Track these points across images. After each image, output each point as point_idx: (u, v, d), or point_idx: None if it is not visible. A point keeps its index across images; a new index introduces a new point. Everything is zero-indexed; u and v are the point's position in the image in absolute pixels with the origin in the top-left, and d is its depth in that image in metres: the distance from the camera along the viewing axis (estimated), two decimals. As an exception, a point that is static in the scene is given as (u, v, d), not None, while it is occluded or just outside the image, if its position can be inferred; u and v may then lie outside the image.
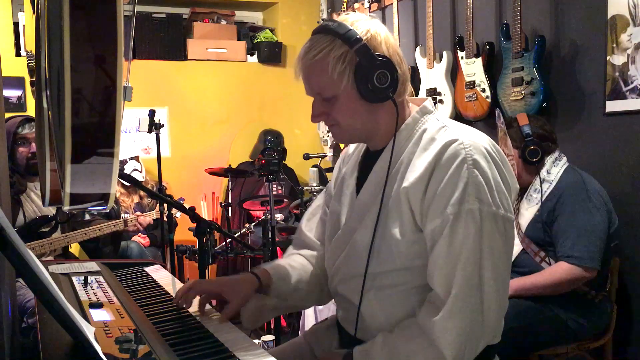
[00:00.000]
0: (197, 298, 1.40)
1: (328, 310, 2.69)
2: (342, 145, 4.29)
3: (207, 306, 1.46)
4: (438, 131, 1.22)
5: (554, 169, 2.19)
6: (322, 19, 4.57)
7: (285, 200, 3.93)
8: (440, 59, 3.30)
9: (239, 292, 1.36)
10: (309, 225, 1.55)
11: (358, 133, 1.29)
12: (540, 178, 2.18)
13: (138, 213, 3.34)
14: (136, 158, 4.10)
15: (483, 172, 1.15)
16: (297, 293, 1.45)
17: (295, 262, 1.49)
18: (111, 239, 3.24)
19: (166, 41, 4.48)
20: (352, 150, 1.46)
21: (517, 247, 2.19)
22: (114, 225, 3.10)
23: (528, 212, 2.21)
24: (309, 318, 2.82)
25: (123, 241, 3.52)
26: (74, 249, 3.35)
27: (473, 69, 2.99)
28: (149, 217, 3.34)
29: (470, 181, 1.13)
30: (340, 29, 1.19)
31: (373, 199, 1.27)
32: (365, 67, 1.18)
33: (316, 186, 3.56)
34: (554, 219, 2.12)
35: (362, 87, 1.19)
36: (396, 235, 1.20)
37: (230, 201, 4.01)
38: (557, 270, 2.05)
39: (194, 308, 1.42)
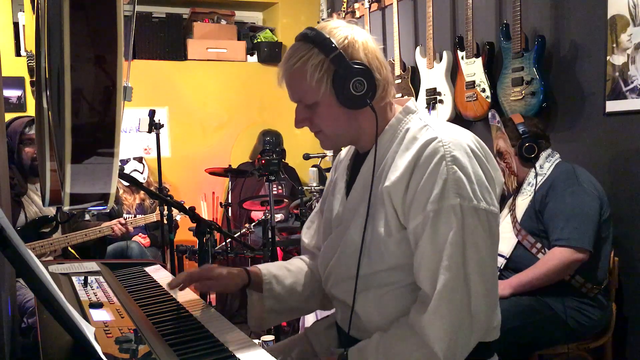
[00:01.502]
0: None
1: (328, 311, 2.69)
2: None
3: (207, 305, 1.46)
4: (420, 130, 1.24)
5: (547, 164, 2.26)
6: (322, 19, 4.57)
7: (285, 200, 3.93)
8: (440, 59, 3.30)
9: (224, 284, 1.40)
10: (309, 233, 1.57)
11: (342, 138, 1.31)
12: (535, 171, 2.24)
13: (120, 220, 3.27)
14: (139, 159, 4.09)
15: (462, 168, 1.16)
16: (295, 295, 1.46)
17: (292, 265, 1.51)
18: (99, 241, 3.19)
19: (166, 41, 4.48)
20: (344, 155, 1.48)
21: (513, 241, 2.21)
22: (107, 229, 3.08)
23: (522, 203, 2.26)
24: (309, 317, 2.82)
25: (123, 241, 3.51)
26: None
27: (473, 69, 2.99)
28: (131, 226, 3.28)
29: (449, 177, 1.14)
30: (317, 38, 1.21)
31: (360, 200, 1.28)
32: (342, 76, 1.20)
33: (316, 186, 3.56)
34: (545, 206, 2.16)
35: (340, 94, 1.21)
36: (383, 234, 1.22)
37: (230, 201, 4.01)
38: (550, 257, 2.07)
39: (192, 305, 1.42)
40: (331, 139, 1.30)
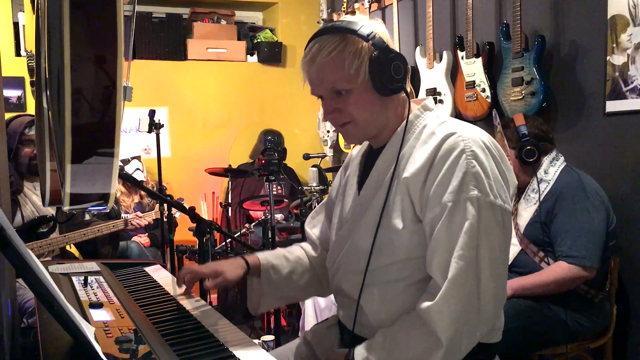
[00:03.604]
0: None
1: (329, 310, 2.69)
2: (342, 145, 4.29)
3: (207, 305, 1.47)
4: (438, 126, 1.26)
5: (552, 168, 2.20)
6: (322, 19, 4.57)
7: (285, 200, 3.93)
8: (440, 59, 3.30)
9: (227, 279, 1.43)
10: (312, 222, 1.60)
11: (371, 127, 1.30)
12: (537, 178, 2.19)
13: (138, 213, 3.32)
14: (138, 158, 4.10)
15: (481, 163, 1.17)
16: (291, 284, 1.50)
17: (291, 253, 1.54)
18: (109, 239, 3.22)
19: (166, 41, 4.48)
20: (356, 153, 1.49)
21: (516, 248, 2.19)
22: (113, 226, 3.10)
23: (526, 212, 2.22)
24: (310, 318, 2.82)
25: (123, 241, 3.52)
26: (73, 248, 3.34)
27: (473, 69, 2.99)
28: (148, 218, 3.33)
29: (468, 171, 1.16)
30: (353, 26, 1.23)
31: (374, 194, 1.29)
32: (383, 59, 1.21)
33: (316, 186, 3.56)
34: (552, 219, 2.12)
35: (377, 80, 1.22)
36: (397, 225, 1.23)
37: (230, 201, 4.01)
38: (557, 270, 2.05)
39: (192, 305, 1.42)
40: (361, 129, 1.29)
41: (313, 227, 1.58)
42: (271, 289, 1.48)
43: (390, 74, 1.21)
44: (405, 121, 1.28)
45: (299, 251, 1.56)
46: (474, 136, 1.20)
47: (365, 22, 1.25)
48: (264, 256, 1.50)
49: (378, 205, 1.26)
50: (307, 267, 1.53)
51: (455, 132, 1.20)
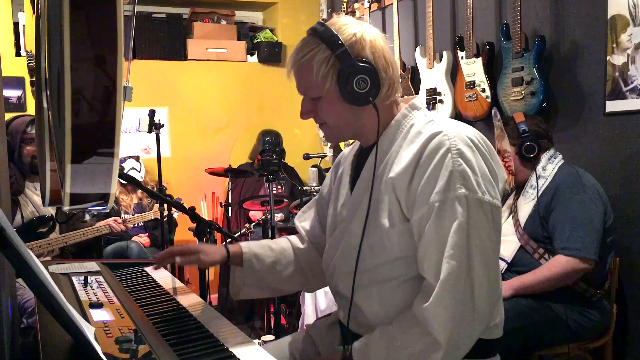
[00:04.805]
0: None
1: (330, 311, 2.69)
2: (341, 145, 4.29)
3: (207, 305, 1.47)
4: (425, 125, 1.26)
5: (550, 165, 2.23)
6: (322, 19, 4.57)
7: (285, 200, 3.93)
8: (440, 59, 3.30)
9: (202, 260, 1.46)
10: (303, 217, 1.61)
11: (345, 132, 1.34)
12: (536, 174, 2.21)
13: (117, 218, 3.25)
14: (136, 158, 4.09)
15: (467, 161, 1.17)
16: (275, 273, 1.51)
17: (277, 244, 1.56)
18: (93, 242, 3.18)
19: (166, 41, 4.48)
20: (348, 152, 1.49)
21: (515, 245, 2.20)
22: (111, 227, 3.08)
23: (525, 208, 2.23)
24: (310, 318, 2.82)
25: (122, 241, 3.51)
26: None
27: (473, 69, 2.99)
28: (128, 224, 3.27)
29: (455, 169, 1.16)
30: (325, 33, 1.23)
31: (364, 194, 1.30)
32: (346, 72, 1.22)
33: (316, 186, 3.56)
34: (550, 212, 2.14)
35: (344, 90, 1.23)
36: (386, 225, 1.23)
37: (230, 201, 4.01)
38: (555, 264, 2.06)
39: (192, 305, 1.42)
40: (335, 133, 1.33)
41: (303, 221, 1.59)
42: (254, 278, 1.49)
43: (353, 88, 1.22)
44: (392, 121, 1.30)
45: (284, 242, 1.57)
46: (460, 134, 1.20)
47: (346, 27, 1.24)
48: (247, 245, 1.51)
49: (367, 207, 1.26)
50: (291, 259, 1.54)
51: (441, 131, 1.20)
